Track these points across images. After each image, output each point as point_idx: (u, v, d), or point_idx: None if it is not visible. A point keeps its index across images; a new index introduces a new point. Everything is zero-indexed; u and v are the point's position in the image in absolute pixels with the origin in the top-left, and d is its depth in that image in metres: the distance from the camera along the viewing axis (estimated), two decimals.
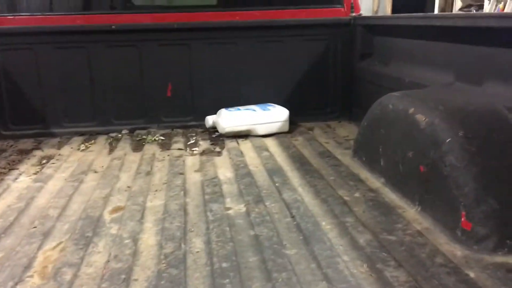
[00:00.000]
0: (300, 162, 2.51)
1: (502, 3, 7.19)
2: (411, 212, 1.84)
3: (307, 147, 2.80)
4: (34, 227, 1.80)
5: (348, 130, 3.19)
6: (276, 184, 2.19)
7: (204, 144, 2.92)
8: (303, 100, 3.38)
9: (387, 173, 2.11)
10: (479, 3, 7.96)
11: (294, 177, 2.29)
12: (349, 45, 3.33)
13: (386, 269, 1.44)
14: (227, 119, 3.05)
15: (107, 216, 1.89)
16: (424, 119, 1.82)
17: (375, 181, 2.17)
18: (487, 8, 7.51)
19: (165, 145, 2.92)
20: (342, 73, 3.38)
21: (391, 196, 2.00)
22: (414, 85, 2.43)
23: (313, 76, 3.37)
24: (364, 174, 2.28)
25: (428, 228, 1.70)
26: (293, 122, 3.23)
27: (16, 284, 1.42)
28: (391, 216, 1.81)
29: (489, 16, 2.55)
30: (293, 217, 1.83)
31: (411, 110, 1.92)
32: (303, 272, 1.44)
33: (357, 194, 2.04)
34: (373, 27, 3.20)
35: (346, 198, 2.00)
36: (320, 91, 3.41)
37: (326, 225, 1.76)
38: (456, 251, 1.53)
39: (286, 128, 3.13)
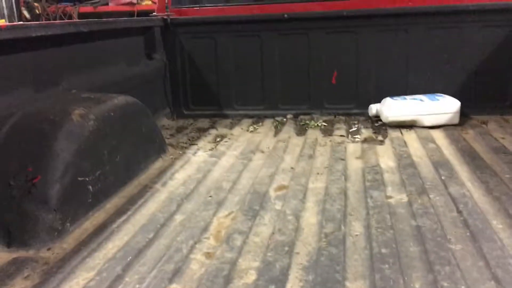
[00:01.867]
0: (470, 156, 2.35)
1: None
2: None
3: (479, 141, 2.60)
4: (210, 196, 2.02)
5: None
6: (442, 177, 2.09)
7: (366, 132, 2.91)
8: (477, 91, 3.13)
9: None
10: None
11: (462, 171, 2.16)
12: None
13: None
14: (392, 108, 2.99)
15: (272, 193, 2.03)
16: None
17: None
18: None
19: (327, 131, 2.99)
20: None
21: None
22: None
23: (490, 65, 3.09)
24: None
25: None
26: (465, 114, 3.02)
27: (196, 243, 1.62)
28: None
29: None
30: (459, 212, 1.74)
31: None
32: (468, 269, 1.38)
33: None
34: None
35: None
36: (498, 81, 3.12)
37: (498, 224, 1.64)
38: None
39: (456, 120, 2.94)
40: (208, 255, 1.54)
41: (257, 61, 3.36)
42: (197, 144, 2.81)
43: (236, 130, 3.11)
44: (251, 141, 2.84)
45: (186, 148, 2.74)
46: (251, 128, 3.14)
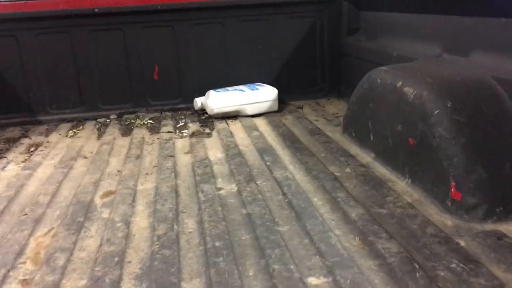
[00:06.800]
0: (290, 140, 2.51)
1: None
2: (401, 185, 1.85)
3: (297, 125, 2.80)
4: (24, 215, 1.78)
5: (337, 107, 3.19)
6: (267, 163, 2.19)
7: (193, 126, 2.90)
8: (292, 79, 3.37)
9: (377, 147, 2.12)
10: None
11: (284, 155, 2.28)
12: (335, 21, 3.30)
13: (378, 241, 1.45)
14: (216, 100, 3.03)
15: (98, 201, 1.88)
16: (412, 91, 1.81)
17: (365, 156, 2.18)
18: None
19: (154, 129, 2.90)
20: (329, 50, 3.36)
21: (382, 170, 2.01)
22: (402, 58, 2.42)
23: (300, 54, 3.35)
24: (354, 149, 2.28)
25: (418, 200, 1.71)
26: (282, 101, 3.22)
27: (9, 271, 1.41)
28: (381, 190, 1.82)
29: None
30: (284, 194, 1.84)
31: (399, 84, 1.91)
32: (296, 248, 1.45)
33: (347, 170, 2.05)
34: (359, 1, 3.17)
35: (337, 173, 2.01)
36: (308, 69, 3.40)
37: (318, 201, 1.76)
38: (446, 221, 1.55)
39: (276, 107, 3.12)
40: (25, 282, 1.35)
41: (70, 59, 3.09)
42: (6, 157, 2.48)
43: (53, 137, 2.83)
44: (71, 147, 2.61)
45: None
46: (70, 133, 2.88)
